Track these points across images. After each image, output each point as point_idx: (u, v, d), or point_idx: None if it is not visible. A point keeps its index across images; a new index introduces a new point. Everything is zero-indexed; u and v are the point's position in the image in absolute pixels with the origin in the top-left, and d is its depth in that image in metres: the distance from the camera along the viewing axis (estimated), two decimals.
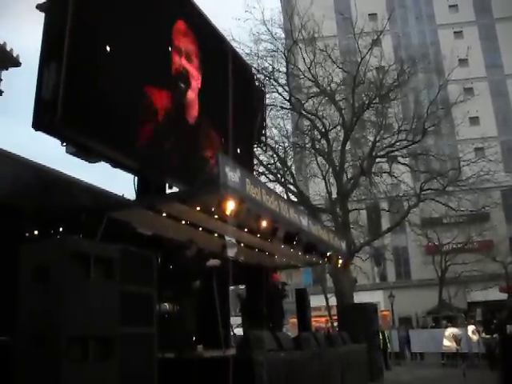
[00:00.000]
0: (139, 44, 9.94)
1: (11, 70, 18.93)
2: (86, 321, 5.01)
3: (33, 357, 4.91)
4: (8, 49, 18.18)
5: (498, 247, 39.16)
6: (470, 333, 21.28)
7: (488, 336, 20.43)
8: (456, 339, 20.38)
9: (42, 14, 8.27)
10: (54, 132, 8.05)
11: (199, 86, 12.31)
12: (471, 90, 40.25)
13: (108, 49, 9.00)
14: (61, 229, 8.43)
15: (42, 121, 7.82)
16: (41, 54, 8.08)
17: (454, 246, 39.35)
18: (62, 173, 9.75)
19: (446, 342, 21.14)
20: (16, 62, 18.69)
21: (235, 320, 16.10)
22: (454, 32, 49.31)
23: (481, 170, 26.42)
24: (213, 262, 9.98)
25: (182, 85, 11.70)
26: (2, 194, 8.11)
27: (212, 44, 13.24)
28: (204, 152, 12.27)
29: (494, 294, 35.52)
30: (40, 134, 7.84)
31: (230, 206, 8.14)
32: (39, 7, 8.37)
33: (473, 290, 39.56)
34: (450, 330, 21.71)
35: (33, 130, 7.80)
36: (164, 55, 11.06)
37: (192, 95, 12.01)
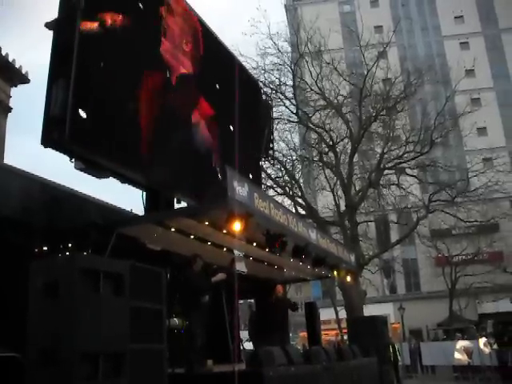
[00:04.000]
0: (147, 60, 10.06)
1: (20, 86, 19.12)
2: (96, 337, 5.00)
3: (43, 373, 4.91)
4: (17, 66, 18.38)
5: (508, 258, 38.90)
6: (481, 345, 21.07)
7: (500, 348, 20.23)
8: (467, 352, 20.22)
9: (51, 32, 8.37)
10: (62, 148, 8.10)
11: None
12: (478, 100, 40.32)
13: (116, 65, 9.11)
14: (70, 245, 8.46)
15: (51, 137, 7.88)
16: (49, 71, 8.17)
17: (464, 258, 39.09)
18: (70, 189, 9.80)
19: (457, 355, 20.97)
20: (25, 79, 18.89)
21: (245, 334, 16.02)
22: (460, 43, 49.38)
23: (489, 180, 26.29)
24: (219, 276, 9.96)
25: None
26: (12, 210, 8.16)
27: (219, 59, 13.32)
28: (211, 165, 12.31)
29: (506, 306, 35.21)
30: (49, 150, 7.90)
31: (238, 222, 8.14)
32: (48, 25, 8.47)
33: (483, 301, 39.24)
34: (461, 343, 21.54)
35: (42, 146, 7.86)
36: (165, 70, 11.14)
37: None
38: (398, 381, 20.00)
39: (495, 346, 20.98)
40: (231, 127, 13.52)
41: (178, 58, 11.42)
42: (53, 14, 8.41)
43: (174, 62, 11.24)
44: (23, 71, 18.60)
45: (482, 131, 42.66)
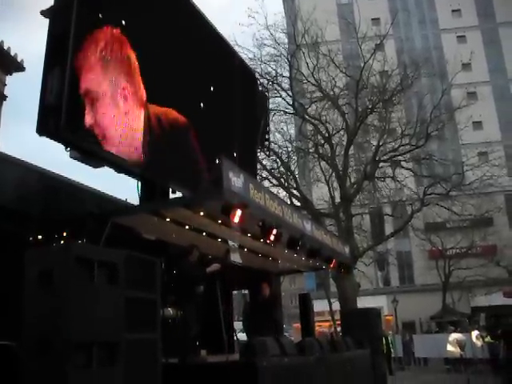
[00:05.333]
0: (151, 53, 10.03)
1: (15, 74, 19.00)
2: (90, 326, 5.01)
3: (38, 362, 4.92)
4: (12, 53, 18.26)
5: (501, 252, 39.12)
6: (473, 338, 21.21)
7: (492, 341, 20.36)
8: (460, 344, 20.33)
9: (47, 20, 8.32)
10: (58, 137, 8.06)
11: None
12: (474, 94, 40.36)
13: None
14: (65, 234, 8.45)
15: (46, 126, 7.84)
16: (45, 59, 8.11)
17: (458, 251, 39.30)
18: (66, 178, 9.77)
19: (449, 348, 21.08)
20: (20, 67, 18.76)
21: (239, 325, 16.08)
22: (457, 36, 49.36)
23: (484, 174, 26.41)
24: (213, 267, 9.97)
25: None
26: (7, 199, 8.14)
27: (216, 49, 13.27)
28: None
29: (498, 299, 35.47)
30: (45, 139, 7.87)
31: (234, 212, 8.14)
32: (43, 13, 8.41)
33: (476, 294, 39.45)
34: (454, 336, 21.65)
35: (37, 134, 7.83)
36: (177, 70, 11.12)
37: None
38: (391, 372, 20.12)
39: (487, 339, 21.11)
40: (227, 117, 13.48)
41: None
42: (49, 1, 8.37)
43: None
44: (18, 59, 18.47)
45: (477, 125, 42.73)
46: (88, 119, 8.27)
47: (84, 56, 8.26)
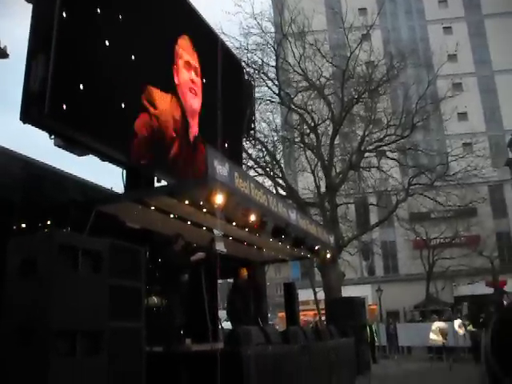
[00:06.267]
0: (138, 43, 9.98)
1: None
2: (74, 315, 5.00)
3: (20, 351, 4.90)
4: None
5: (484, 242, 39.44)
6: (456, 327, 21.45)
7: (474, 330, 20.58)
8: (442, 333, 20.54)
9: (30, 5, 8.21)
10: (42, 125, 8.00)
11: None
12: (460, 85, 40.52)
13: (106, 43, 9.04)
14: (49, 222, 8.40)
15: (30, 113, 7.77)
16: (29, 45, 8.00)
17: (442, 241, 39.63)
18: (50, 166, 9.69)
19: (432, 336, 21.27)
20: (3, 54, 18.55)
21: (224, 313, 16.12)
22: (444, 27, 49.42)
23: (468, 165, 26.58)
24: (198, 255, 9.96)
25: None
26: None
27: (201, 36, 13.20)
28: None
29: (481, 289, 35.83)
30: (28, 126, 7.80)
31: (219, 199, 8.13)
32: None
33: (460, 284, 39.88)
34: (437, 324, 21.85)
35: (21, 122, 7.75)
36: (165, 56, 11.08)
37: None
38: (374, 361, 20.31)
39: (470, 328, 21.34)
40: (213, 106, 13.44)
41: None
42: None
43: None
44: (1, 45, 18.26)
45: (462, 116, 42.97)
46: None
47: None
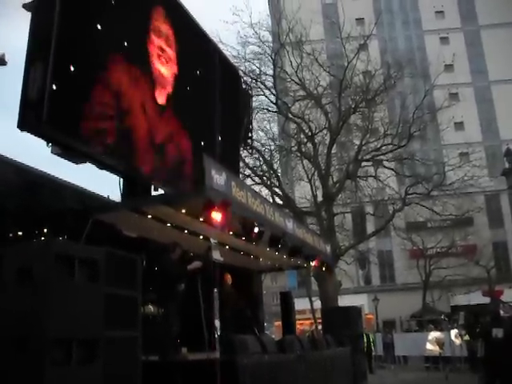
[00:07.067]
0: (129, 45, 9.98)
1: None
2: (69, 323, 4.98)
3: (15, 360, 4.87)
4: None
5: (481, 251, 39.45)
6: (452, 337, 21.42)
7: (470, 339, 20.56)
8: (439, 343, 20.52)
9: (29, 14, 8.23)
10: (39, 132, 8.01)
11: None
12: (456, 95, 40.65)
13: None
14: (45, 230, 8.38)
15: (28, 121, 7.78)
16: (27, 53, 8.04)
17: (438, 250, 39.56)
18: (46, 173, 9.67)
19: (429, 346, 21.27)
20: (1, 61, 18.56)
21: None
22: (440, 38, 49.64)
23: (465, 174, 26.64)
24: (194, 264, 9.94)
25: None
26: None
27: (199, 46, 13.24)
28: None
29: (477, 298, 35.81)
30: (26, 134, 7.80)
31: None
32: (26, 6, 8.33)
33: (456, 293, 39.77)
34: (433, 334, 21.85)
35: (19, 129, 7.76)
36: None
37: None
38: (371, 370, 20.25)
39: (466, 338, 21.32)
40: (210, 115, 13.45)
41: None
42: None
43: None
44: (0, 53, 18.27)
45: (459, 126, 43.06)
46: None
47: None
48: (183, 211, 8.95)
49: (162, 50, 11.36)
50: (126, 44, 9.96)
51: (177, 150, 11.73)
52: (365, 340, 19.82)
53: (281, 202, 25.33)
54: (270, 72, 26.04)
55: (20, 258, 5.27)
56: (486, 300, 34.93)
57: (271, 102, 26.40)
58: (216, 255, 9.91)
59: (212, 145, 13.15)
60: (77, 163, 9.07)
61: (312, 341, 11.93)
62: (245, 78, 20.82)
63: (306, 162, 26.47)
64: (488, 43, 48.84)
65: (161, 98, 11.24)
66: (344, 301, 24.74)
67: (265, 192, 24.96)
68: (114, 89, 9.55)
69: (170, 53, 11.75)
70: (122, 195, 10.01)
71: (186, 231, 10.35)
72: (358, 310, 16.96)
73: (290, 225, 12.17)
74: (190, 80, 12.63)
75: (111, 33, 9.53)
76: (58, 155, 8.53)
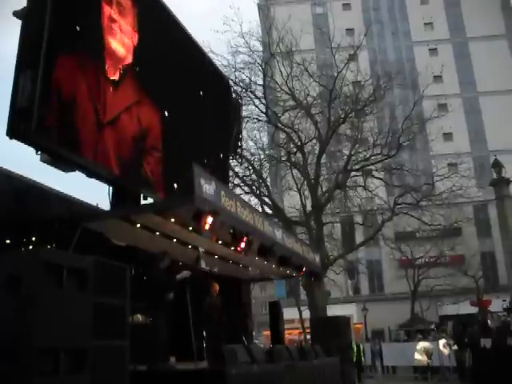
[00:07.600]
0: None
1: None
2: (58, 332, 4.94)
3: (3, 368, 4.83)
4: None
5: (469, 262, 39.62)
6: (441, 346, 21.45)
7: (458, 349, 20.61)
8: (427, 353, 20.55)
9: (19, 21, 8.21)
10: (28, 140, 7.97)
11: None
12: (445, 106, 40.87)
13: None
14: (34, 238, 8.32)
15: (17, 129, 7.74)
16: (17, 61, 8.00)
17: (427, 260, 39.70)
18: (35, 181, 9.62)
19: (417, 356, 21.30)
20: None
21: None
22: (429, 49, 50.04)
23: (454, 185, 26.75)
24: (183, 274, 9.93)
25: None
26: None
27: (188, 55, 13.23)
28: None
29: (465, 308, 35.99)
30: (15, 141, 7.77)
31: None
32: (16, 14, 8.30)
33: (444, 303, 39.93)
34: (422, 344, 21.88)
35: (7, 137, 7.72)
36: None
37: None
38: (360, 380, 20.24)
39: (454, 347, 21.37)
40: (199, 124, 13.44)
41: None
42: (22, 2, 8.25)
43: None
44: None
45: (447, 136, 43.31)
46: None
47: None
48: (172, 220, 8.94)
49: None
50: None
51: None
52: (355, 350, 19.83)
53: (270, 212, 25.35)
54: (260, 81, 26.11)
55: (8, 266, 5.23)
56: (475, 310, 35.09)
57: (261, 111, 26.45)
58: (205, 264, 9.91)
59: (201, 153, 13.13)
60: (66, 171, 9.03)
61: (301, 350, 11.92)
62: (235, 88, 20.87)
63: (295, 171, 26.54)
64: (476, 55, 49.29)
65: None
66: (333, 310, 24.76)
67: (254, 201, 25.05)
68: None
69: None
70: (111, 204, 9.97)
71: (174, 240, 10.34)
72: (346, 319, 16.98)
73: (279, 234, 12.19)
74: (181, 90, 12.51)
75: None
76: (47, 163, 8.49)
